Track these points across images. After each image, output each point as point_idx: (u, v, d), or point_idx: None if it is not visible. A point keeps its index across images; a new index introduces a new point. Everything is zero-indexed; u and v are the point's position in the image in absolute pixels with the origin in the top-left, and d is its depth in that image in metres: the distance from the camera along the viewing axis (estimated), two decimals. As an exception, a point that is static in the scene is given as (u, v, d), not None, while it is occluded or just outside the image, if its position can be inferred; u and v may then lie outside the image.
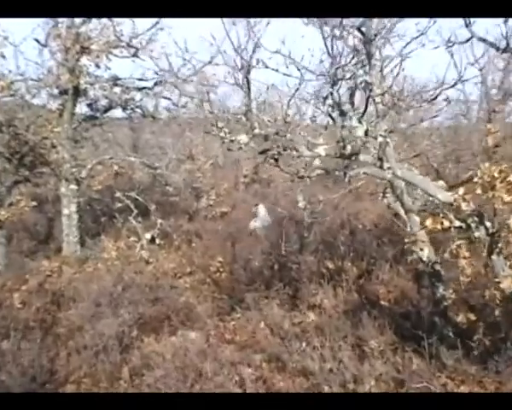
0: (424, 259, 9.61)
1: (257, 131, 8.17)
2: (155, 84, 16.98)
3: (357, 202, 22.17)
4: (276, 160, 8.68)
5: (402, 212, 10.24)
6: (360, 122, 7.84)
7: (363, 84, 8.08)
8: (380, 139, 7.69)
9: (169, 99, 17.42)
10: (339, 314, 11.68)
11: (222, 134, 8.30)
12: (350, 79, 8.36)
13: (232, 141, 8.36)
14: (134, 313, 11.86)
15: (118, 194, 17.02)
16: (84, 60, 16.17)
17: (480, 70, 23.68)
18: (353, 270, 13.91)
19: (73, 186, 16.76)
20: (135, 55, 16.15)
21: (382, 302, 12.35)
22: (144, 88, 17.10)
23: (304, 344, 10.43)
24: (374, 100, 8.07)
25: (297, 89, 8.33)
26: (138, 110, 17.83)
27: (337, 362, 9.62)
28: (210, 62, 15.11)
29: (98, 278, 14.25)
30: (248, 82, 8.37)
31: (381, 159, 7.63)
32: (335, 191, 21.35)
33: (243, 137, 8.19)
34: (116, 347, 10.53)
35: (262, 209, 20.41)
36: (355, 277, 13.67)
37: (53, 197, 20.87)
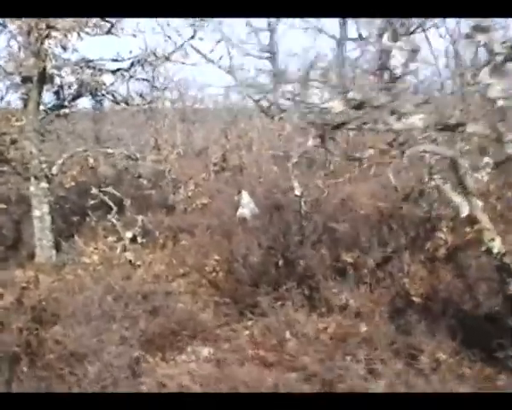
0: (495, 250, 7.77)
1: (352, 94, 6.11)
2: (132, 64, 14.67)
3: (339, 185, 20.31)
4: (323, 138, 6.73)
5: (454, 195, 8.38)
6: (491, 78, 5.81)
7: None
8: (500, 103, 5.75)
9: (147, 81, 15.12)
10: (374, 317, 9.83)
11: (310, 99, 6.17)
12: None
13: (322, 110, 6.24)
14: (134, 330, 9.84)
15: (94, 190, 14.78)
16: (50, 42, 13.82)
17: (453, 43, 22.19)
18: (370, 262, 12.04)
19: (44, 184, 14.46)
20: (109, 31, 13.81)
21: (414, 298, 10.59)
22: (119, 70, 14.76)
23: (349, 358, 8.54)
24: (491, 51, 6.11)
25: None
26: (109, 96, 15.51)
27: (396, 379, 7.80)
28: (193, 37, 13.09)
29: (81, 286, 12.20)
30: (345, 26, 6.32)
31: (497, 129, 5.69)
32: (310, 175, 19.60)
33: (336, 104, 6.09)
34: (127, 376, 8.45)
35: (246, 196, 18.46)
36: (372, 269, 11.82)
37: (16, 197, 18.50)
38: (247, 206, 17.92)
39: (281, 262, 12.78)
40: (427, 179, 8.43)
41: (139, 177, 17.54)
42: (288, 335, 9.64)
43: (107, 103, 17.23)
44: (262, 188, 21.94)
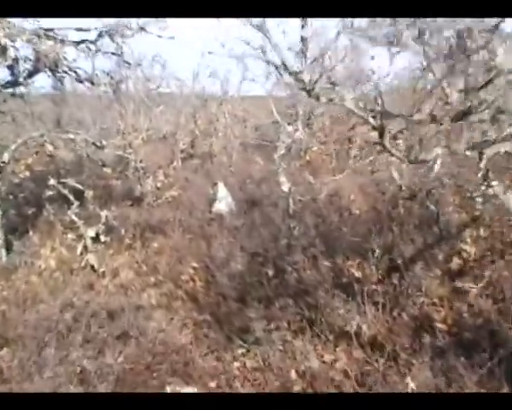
0: None
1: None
2: (99, 35, 12.12)
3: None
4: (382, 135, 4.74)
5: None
6: None
7: None
8: None
9: (118, 55, 12.55)
10: (400, 352, 7.73)
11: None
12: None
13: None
14: (99, 365, 7.64)
15: (52, 181, 12.36)
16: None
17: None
18: (378, 275, 9.92)
19: (-7, 175, 12.00)
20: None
21: (439, 325, 8.52)
22: (84, 41, 12.19)
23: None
24: None
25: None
26: (72, 73, 12.92)
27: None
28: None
29: (34, 297, 10.00)
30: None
31: None
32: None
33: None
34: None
35: (222, 189, 16.19)
36: (379, 283, 9.70)
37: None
38: (224, 200, 15.67)
39: (271, 273, 10.60)
40: (483, 187, 6.33)
41: (103, 165, 15.09)
42: (292, 374, 7.50)
43: (68, 83, 14.62)
44: (235, 178, 19.96)
